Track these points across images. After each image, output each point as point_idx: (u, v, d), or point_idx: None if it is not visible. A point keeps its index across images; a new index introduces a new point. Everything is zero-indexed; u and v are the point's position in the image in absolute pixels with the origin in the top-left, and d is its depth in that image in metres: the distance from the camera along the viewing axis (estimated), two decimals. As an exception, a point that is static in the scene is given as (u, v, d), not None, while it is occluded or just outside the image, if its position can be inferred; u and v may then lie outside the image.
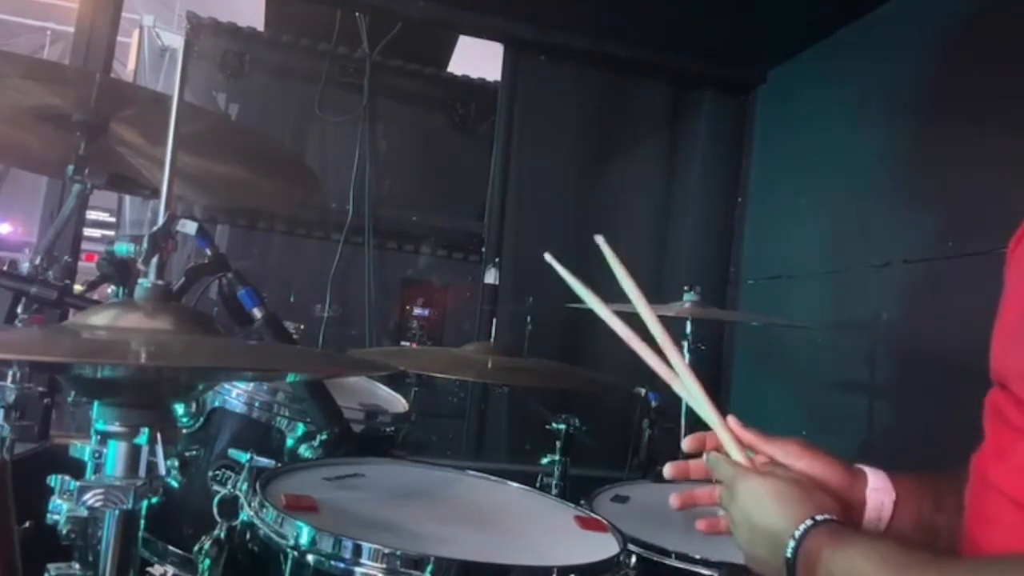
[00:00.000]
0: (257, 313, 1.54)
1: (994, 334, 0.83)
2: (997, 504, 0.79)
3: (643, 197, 3.36)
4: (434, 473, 1.50)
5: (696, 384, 0.98)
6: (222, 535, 1.17)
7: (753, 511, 0.87)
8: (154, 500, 0.96)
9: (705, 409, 0.97)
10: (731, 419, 0.98)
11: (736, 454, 0.95)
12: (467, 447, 3.12)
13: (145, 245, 0.98)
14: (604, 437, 2.01)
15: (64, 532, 0.96)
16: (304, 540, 1.03)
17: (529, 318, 2.58)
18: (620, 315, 1.00)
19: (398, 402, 1.89)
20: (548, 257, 1.05)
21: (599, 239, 1.05)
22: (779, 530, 0.83)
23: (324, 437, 1.47)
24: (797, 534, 0.81)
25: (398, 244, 3.40)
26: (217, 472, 1.29)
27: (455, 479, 1.49)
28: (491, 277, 3.09)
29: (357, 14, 3.29)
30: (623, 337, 0.99)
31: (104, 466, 0.94)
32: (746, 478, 0.90)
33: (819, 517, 0.81)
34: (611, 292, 1.02)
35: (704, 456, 0.98)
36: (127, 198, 3.86)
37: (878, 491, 0.94)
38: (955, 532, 0.89)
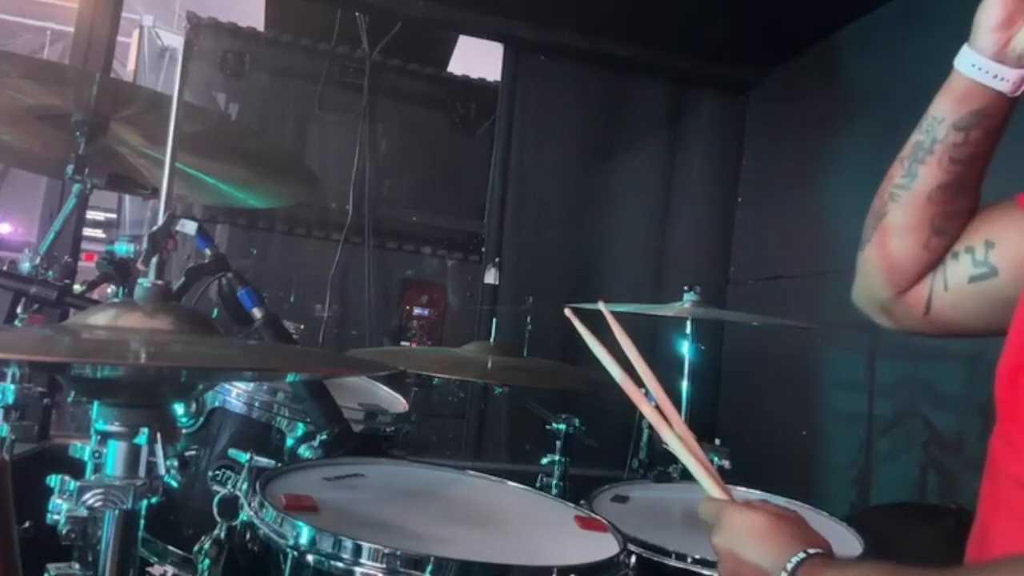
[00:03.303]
0: (257, 313, 1.54)
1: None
2: (1010, 491, 0.78)
3: (643, 197, 3.36)
4: (434, 473, 1.50)
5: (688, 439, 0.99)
6: (222, 535, 1.17)
7: (740, 544, 0.86)
8: (154, 500, 0.96)
9: (688, 458, 0.97)
10: None
11: (717, 493, 0.95)
12: (467, 447, 3.12)
13: (145, 245, 0.98)
14: (604, 437, 2.01)
15: (64, 532, 0.96)
16: (304, 540, 1.03)
17: (529, 318, 2.58)
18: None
19: (398, 402, 1.89)
20: (568, 312, 1.08)
21: (601, 304, 1.11)
22: (769, 564, 0.82)
23: (324, 437, 1.47)
24: (790, 567, 0.79)
25: (398, 244, 3.40)
26: (217, 472, 1.29)
27: (455, 479, 1.49)
28: (491, 277, 3.09)
29: (357, 14, 3.29)
30: (631, 396, 1.01)
31: (104, 466, 0.94)
32: (732, 512, 0.89)
33: (811, 551, 0.80)
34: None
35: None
36: (127, 198, 3.86)
37: None
38: None
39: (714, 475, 0.96)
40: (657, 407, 1.01)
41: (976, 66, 0.91)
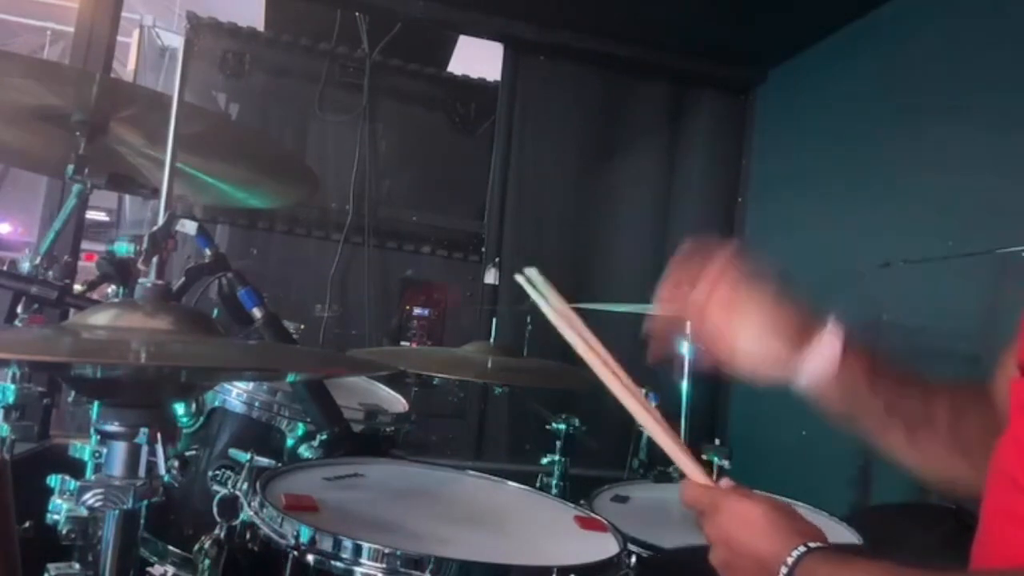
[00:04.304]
0: (257, 313, 1.54)
1: None
2: (1020, 499, 0.78)
3: (643, 197, 3.36)
4: (434, 473, 1.50)
5: (655, 420, 1.00)
6: (222, 535, 1.17)
7: (737, 535, 0.85)
8: (154, 500, 0.96)
9: (661, 435, 0.97)
10: None
11: (702, 478, 0.93)
12: (467, 447, 3.12)
13: (145, 245, 0.98)
14: (604, 437, 2.01)
15: (64, 532, 0.96)
16: (304, 540, 1.03)
17: (529, 318, 2.58)
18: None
19: (398, 402, 1.89)
20: (519, 279, 1.08)
21: (531, 272, 1.13)
22: (769, 556, 0.81)
23: (324, 437, 1.47)
24: (791, 560, 0.78)
25: (398, 244, 3.40)
26: (217, 472, 1.29)
27: (455, 479, 1.49)
28: (491, 277, 3.09)
29: (357, 14, 3.29)
30: (592, 366, 1.03)
31: (104, 466, 0.94)
32: (729, 501, 0.87)
33: (812, 544, 0.80)
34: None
35: (679, 487, 0.97)
36: (127, 198, 3.86)
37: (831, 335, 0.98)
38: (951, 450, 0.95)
39: (688, 453, 0.95)
40: (614, 375, 1.01)
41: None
